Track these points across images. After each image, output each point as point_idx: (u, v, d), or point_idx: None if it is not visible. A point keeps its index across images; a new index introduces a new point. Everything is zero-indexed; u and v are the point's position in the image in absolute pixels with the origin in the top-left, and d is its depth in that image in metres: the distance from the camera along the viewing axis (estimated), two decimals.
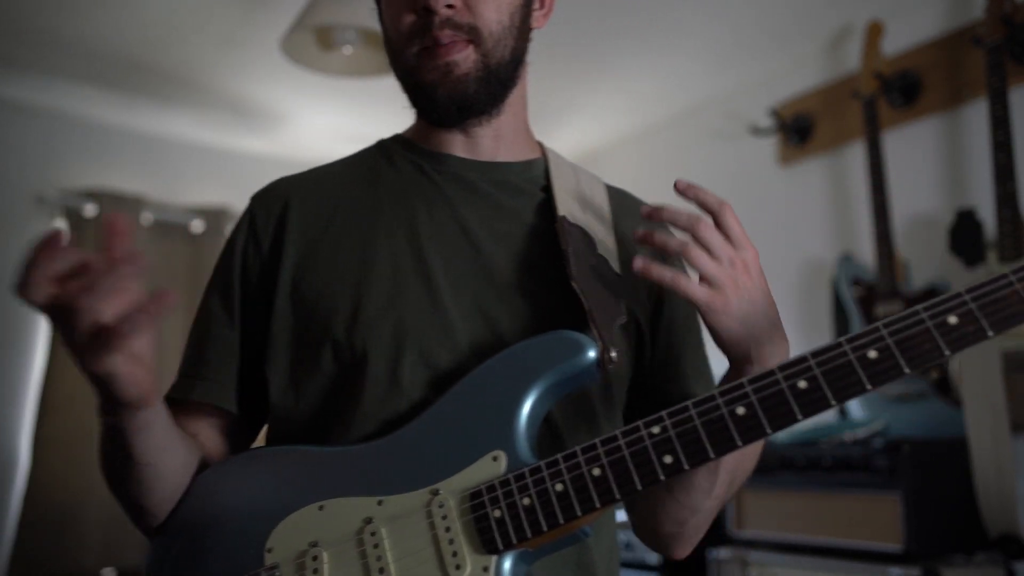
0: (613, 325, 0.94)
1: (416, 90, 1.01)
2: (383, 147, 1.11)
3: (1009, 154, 2.15)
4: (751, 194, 3.18)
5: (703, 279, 0.88)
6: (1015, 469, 1.96)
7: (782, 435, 2.38)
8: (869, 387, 0.79)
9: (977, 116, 2.47)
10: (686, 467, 0.81)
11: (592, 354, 0.88)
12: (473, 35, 0.97)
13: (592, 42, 2.93)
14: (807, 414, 0.80)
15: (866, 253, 2.67)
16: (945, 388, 2.30)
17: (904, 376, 0.79)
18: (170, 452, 0.91)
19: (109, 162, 3.53)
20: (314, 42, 2.50)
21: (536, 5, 1.06)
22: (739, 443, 0.80)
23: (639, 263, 0.88)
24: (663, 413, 0.83)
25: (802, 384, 0.80)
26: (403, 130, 1.12)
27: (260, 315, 1.01)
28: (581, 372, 0.89)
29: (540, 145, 1.14)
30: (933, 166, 2.61)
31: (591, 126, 3.64)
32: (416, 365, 0.94)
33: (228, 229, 3.67)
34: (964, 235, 2.25)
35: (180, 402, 1.02)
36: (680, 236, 0.92)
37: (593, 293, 0.94)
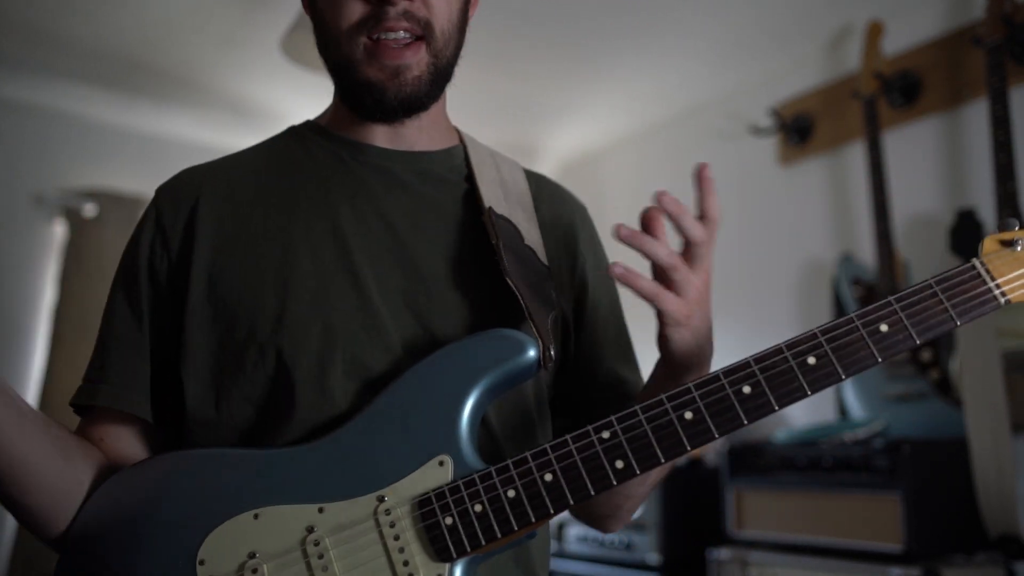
0: (548, 320, 0.93)
1: (358, 86, 0.95)
2: (296, 134, 1.05)
3: (1009, 154, 2.15)
4: (751, 194, 3.18)
5: (674, 288, 0.86)
6: (1015, 469, 1.96)
7: (782, 435, 2.37)
8: (809, 392, 0.81)
9: (977, 116, 2.47)
10: (637, 472, 0.81)
11: (533, 353, 0.87)
12: (427, 31, 0.93)
13: (592, 42, 2.92)
14: (752, 419, 0.81)
15: (866, 253, 2.67)
16: (945, 388, 2.30)
17: (841, 381, 0.82)
18: (37, 443, 0.85)
19: (109, 162, 3.53)
20: (314, 42, 2.50)
21: None
22: (688, 447, 0.81)
23: (619, 270, 0.84)
24: (612, 418, 0.83)
25: (747, 389, 0.81)
26: (315, 116, 1.08)
27: (172, 315, 0.95)
28: (523, 371, 0.87)
29: (457, 131, 1.09)
30: (933, 166, 2.61)
31: (591, 126, 3.64)
32: (348, 366, 0.90)
33: None
34: (964, 235, 2.25)
35: (87, 409, 0.97)
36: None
37: (527, 288, 0.92)
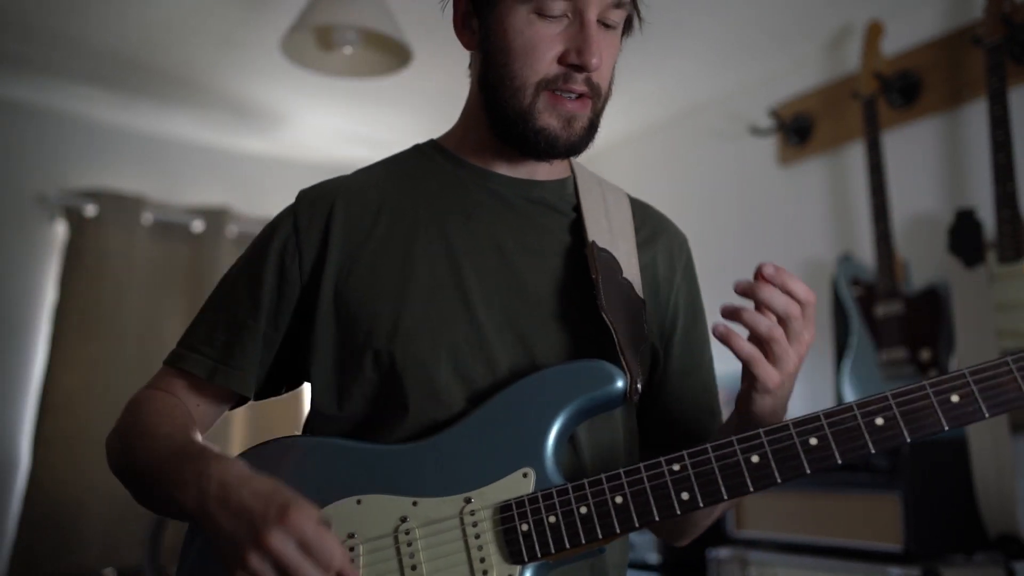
0: (638, 354, 1.00)
1: (534, 132, 1.02)
2: (423, 154, 1.12)
3: (1009, 154, 2.15)
4: (751, 194, 3.18)
5: (771, 358, 0.91)
6: (1014, 469, 1.96)
7: None
8: (873, 451, 0.87)
9: (977, 116, 2.47)
10: (701, 505, 0.88)
11: (620, 385, 0.95)
12: (596, 94, 1.03)
13: None
14: (815, 469, 0.87)
15: (866, 253, 2.67)
16: None
17: (906, 443, 0.86)
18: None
19: (109, 162, 3.53)
20: (314, 42, 2.50)
21: None
22: (751, 488, 0.88)
23: (722, 330, 0.90)
24: (684, 452, 0.90)
25: (813, 441, 0.87)
26: (439, 136, 1.14)
27: (293, 312, 1.04)
28: (609, 401, 0.95)
29: (569, 162, 1.16)
30: (933, 166, 2.61)
31: None
32: (452, 376, 0.98)
33: (228, 229, 3.67)
34: (964, 235, 2.25)
35: (189, 375, 1.05)
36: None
37: (621, 323, 0.99)
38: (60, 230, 3.39)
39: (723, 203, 3.27)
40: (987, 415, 0.85)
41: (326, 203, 1.06)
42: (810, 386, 2.71)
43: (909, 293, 2.42)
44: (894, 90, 2.64)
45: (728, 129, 3.25)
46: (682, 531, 1.12)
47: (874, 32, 2.64)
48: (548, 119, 1.01)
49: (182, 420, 1.00)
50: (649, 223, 1.15)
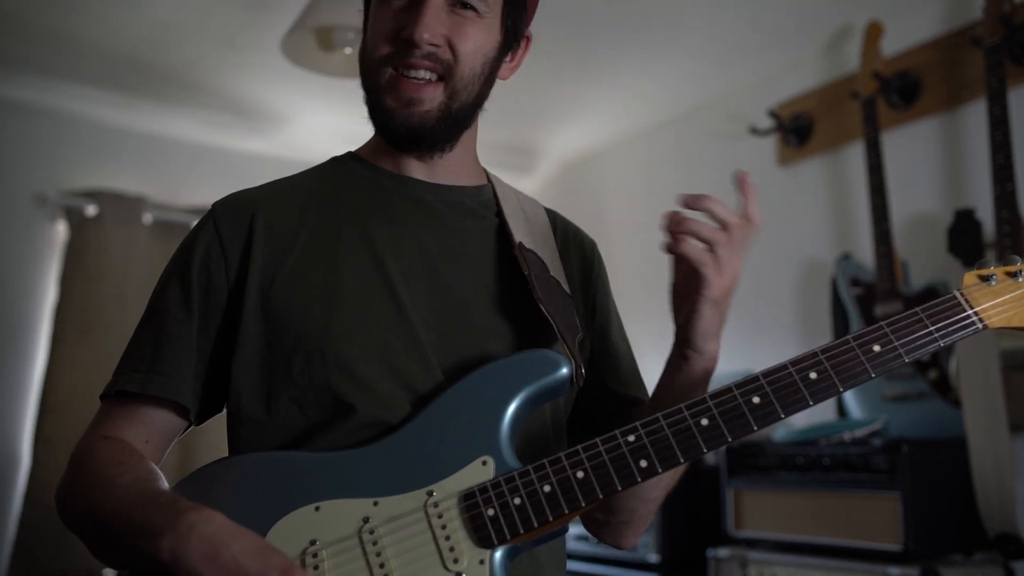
0: (575, 343, 1.03)
1: (377, 110, 1.06)
2: (340, 164, 1.14)
3: (1008, 154, 2.15)
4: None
5: (717, 262, 0.94)
6: (1014, 469, 1.97)
7: (781, 434, 2.38)
8: (811, 403, 0.92)
9: (976, 116, 2.47)
10: (659, 470, 0.90)
11: (566, 371, 0.97)
12: (448, 73, 1.02)
13: (592, 42, 2.93)
14: (761, 425, 0.91)
15: (865, 253, 2.67)
16: (944, 388, 2.30)
17: (840, 393, 0.92)
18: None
19: (109, 162, 3.53)
20: (314, 43, 2.51)
21: (507, 59, 1.12)
22: (704, 450, 0.91)
23: (671, 238, 0.94)
24: (637, 423, 0.92)
25: (756, 399, 0.92)
26: (356, 148, 1.16)
27: (222, 319, 1.03)
28: (557, 386, 0.98)
29: (485, 172, 1.19)
30: (932, 166, 2.62)
31: (592, 126, 3.64)
32: (389, 376, 0.98)
33: None
34: (963, 235, 2.25)
35: (131, 396, 1.03)
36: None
37: (557, 314, 1.03)
38: (60, 230, 3.39)
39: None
40: (906, 359, 0.92)
41: (247, 210, 1.06)
42: None
43: (908, 293, 2.42)
44: (893, 90, 2.65)
45: (727, 129, 3.26)
46: (626, 519, 1.10)
47: (873, 32, 2.65)
48: (389, 99, 1.03)
49: (145, 468, 0.96)
50: (564, 229, 1.20)
